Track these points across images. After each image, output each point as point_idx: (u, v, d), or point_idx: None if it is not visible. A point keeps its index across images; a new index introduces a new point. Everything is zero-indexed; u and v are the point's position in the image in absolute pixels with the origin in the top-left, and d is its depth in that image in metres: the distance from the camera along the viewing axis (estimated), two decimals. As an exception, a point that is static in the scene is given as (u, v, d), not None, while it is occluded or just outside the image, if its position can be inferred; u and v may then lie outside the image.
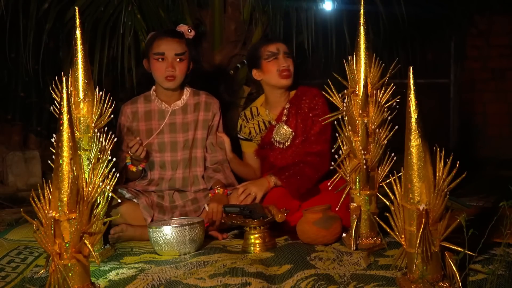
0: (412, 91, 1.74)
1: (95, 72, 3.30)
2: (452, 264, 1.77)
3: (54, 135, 1.85)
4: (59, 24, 3.44)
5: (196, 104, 2.98)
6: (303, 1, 3.64)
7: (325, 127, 2.86)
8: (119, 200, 2.61)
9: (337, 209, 2.42)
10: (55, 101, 2.39)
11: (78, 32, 2.32)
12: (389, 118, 2.34)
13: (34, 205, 1.75)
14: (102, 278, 2.10)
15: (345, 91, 2.39)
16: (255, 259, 2.25)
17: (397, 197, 1.83)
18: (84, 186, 1.78)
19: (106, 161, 2.36)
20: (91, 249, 1.78)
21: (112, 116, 2.46)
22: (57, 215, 1.74)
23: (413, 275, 1.80)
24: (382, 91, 2.35)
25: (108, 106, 2.44)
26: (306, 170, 2.80)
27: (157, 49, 2.85)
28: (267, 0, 3.54)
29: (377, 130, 2.31)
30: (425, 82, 5.19)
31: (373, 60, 2.34)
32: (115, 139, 2.46)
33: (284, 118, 2.98)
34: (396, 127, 2.29)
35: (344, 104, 2.36)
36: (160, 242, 2.42)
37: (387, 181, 2.19)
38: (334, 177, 2.43)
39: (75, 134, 2.14)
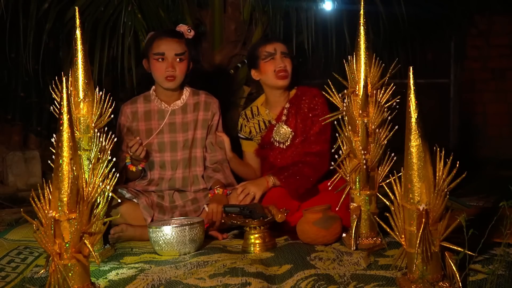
0: (412, 91, 1.74)
1: (95, 72, 3.30)
2: (452, 264, 1.77)
3: (54, 135, 1.85)
4: (59, 24, 3.44)
5: (196, 104, 2.98)
6: (303, 1, 3.63)
7: (324, 127, 2.86)
8: (119, 200, 2.61)
9: (337, 209, 2.42)
10: (55, 101, 2.39)
11: (78, 32, 2.32)
12: (389, 118, 2.34)
13: (34, 205, 1.75)
14: (102, 278, 2.10)
15: (345, 91, 2.39)
16: (255, 259, 2.24)
17: (397, 197, 1.83)
18: (84, 186, 1.78)
19: (106, 161, 2.37)
20: (91, 249, 1.78)
21: (112, 116, 2.46)
22: (57, 215, 1.74)
23: (413, 275, 1.80)
24: (382, 91, 2.35)
25: (108, 106, 2.44)
26: (305, 170, 2.80)
27: (157, 49, 2.85)
28: (267, 0, 3.54)
29: (377, 130, 2.31)
30: (425, 82, 5.19)
31: (373, 60, 2.34)
32: (115, 139, 2.46)
33: (283, 118, 2.98)
34: (396, 127, 2.29)
35: (344, 104, 2.36)
36: (160, 242, 2.42)
37: (387, 181, 2.19)
38: (334, 177, 2.42)
39: (75, 134, 2.14)
